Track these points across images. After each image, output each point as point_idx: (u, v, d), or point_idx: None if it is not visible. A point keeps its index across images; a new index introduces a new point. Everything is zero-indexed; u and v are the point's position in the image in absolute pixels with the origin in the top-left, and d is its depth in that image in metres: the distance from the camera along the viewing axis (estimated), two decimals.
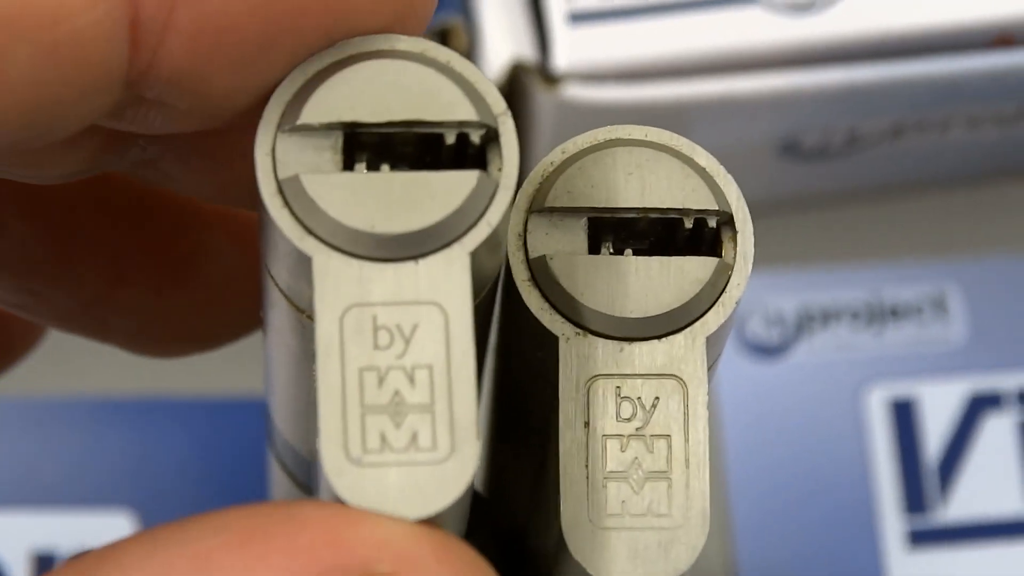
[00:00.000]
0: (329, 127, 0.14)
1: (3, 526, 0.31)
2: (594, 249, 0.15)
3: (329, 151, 0.14)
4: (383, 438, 0.14)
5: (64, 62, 0.13)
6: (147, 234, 0.18)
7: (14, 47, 0.12)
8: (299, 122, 0.14)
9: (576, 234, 0.15)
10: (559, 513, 0.15)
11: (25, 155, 0.15)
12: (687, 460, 0.15)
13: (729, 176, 0.15)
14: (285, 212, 0.14)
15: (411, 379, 0.14)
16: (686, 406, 0.15)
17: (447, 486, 0.14)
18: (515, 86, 0.29)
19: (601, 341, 0.15)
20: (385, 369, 0.14)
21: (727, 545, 0.31)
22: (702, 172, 0.15)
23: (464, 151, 0.14)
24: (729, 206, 0.15)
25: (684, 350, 0.15)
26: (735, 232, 0.15)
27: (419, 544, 0.13)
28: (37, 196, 0.17)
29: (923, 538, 0.31)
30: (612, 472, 0.15)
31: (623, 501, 0.15)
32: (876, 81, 0.30)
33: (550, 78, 0.28)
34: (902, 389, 0.31)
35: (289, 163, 0.14)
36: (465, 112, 0.14)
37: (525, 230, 0.15)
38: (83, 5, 0.13)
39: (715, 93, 0.29)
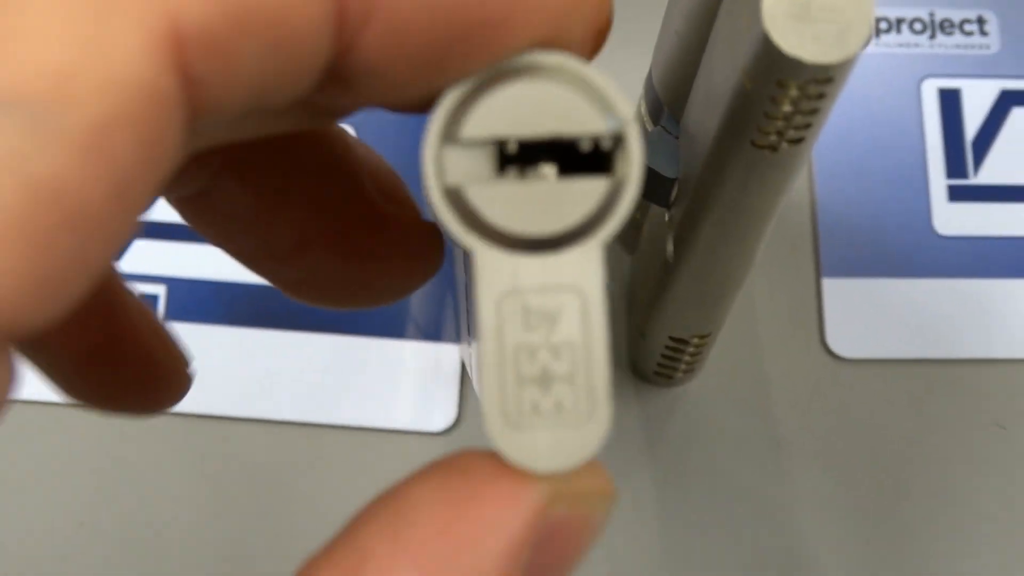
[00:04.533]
0: (485, 139, 0.15)
1: None
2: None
3: (485, 160, 0.15)
4: (535, 406, 0.15)
5: (283, 53, 0.14)
6: (336, 212, 0.19)
7: (245, 42, 0.13)
8: (460, 135, 0.15)
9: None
10: None
11: (247, 120, 0.15)
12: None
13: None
14: (451, 215, 0.15)
15: (556, 354, 0.15)
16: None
17: (586, 445, 0.15)
18: None
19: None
20: (535, 347, 0.15)
21: (811, 190, 0.37)
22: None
23: (598, 154, 0.15)
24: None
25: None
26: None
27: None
28: (245, 159, 0.18)
29: (960, 193, 0.37)
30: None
31: None
32: None
33: None
34: (950, 83, 0.37)
35: (452, 171, 0.15)
36: (597, 124, 0.15)
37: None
38: (301, 8, 0.14)
39: None
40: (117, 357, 0.20)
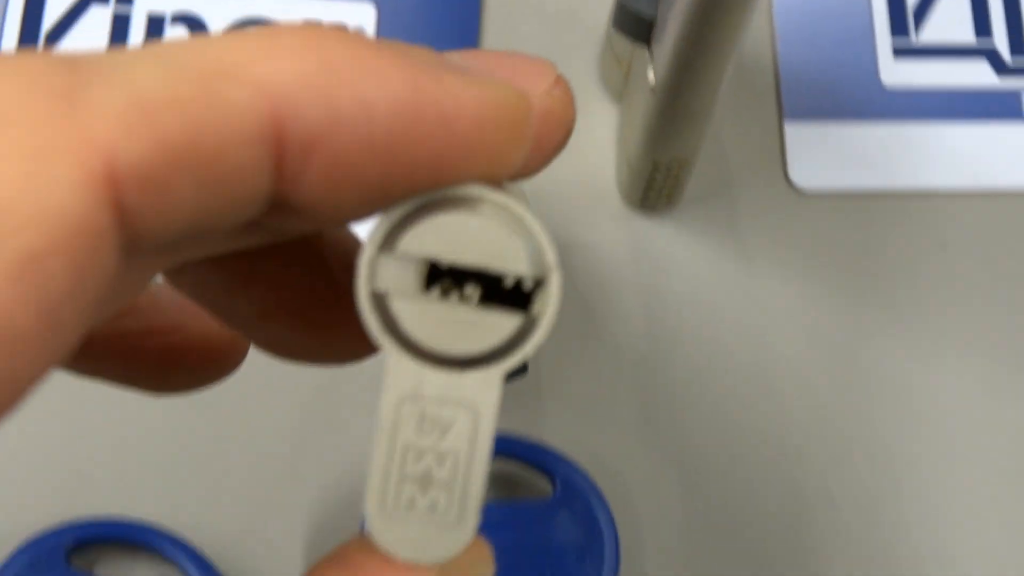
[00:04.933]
0: (417, 257, 0.15)
1: None
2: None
3: (413, 275, 0.15)
4: (411, 502, 0.15)
5: (219, 189, 0.14)
6: (298, 289, 0.19)
7: (181, 179, 0.13)
8: (396, 248, 0.15)
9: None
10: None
11: (201, 244, 0.16)
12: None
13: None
14: (373, 316, 0.15)
15: (440, 461, 0.15)
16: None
17: (450, 547, 0.15)
18: None
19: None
20: (423, 450, 0.15)
21: (773, 48, 0.39)
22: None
23: (519, 291, 0.16)
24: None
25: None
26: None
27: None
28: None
29: (903, 51, 0.40)
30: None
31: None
32: None
33: None
34: None
35: (382, 278, 0.15)
36: (523, 266, 0.15)
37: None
38: (237, 148, 0.13)
39: None
40: (180, 352, 0.21)
